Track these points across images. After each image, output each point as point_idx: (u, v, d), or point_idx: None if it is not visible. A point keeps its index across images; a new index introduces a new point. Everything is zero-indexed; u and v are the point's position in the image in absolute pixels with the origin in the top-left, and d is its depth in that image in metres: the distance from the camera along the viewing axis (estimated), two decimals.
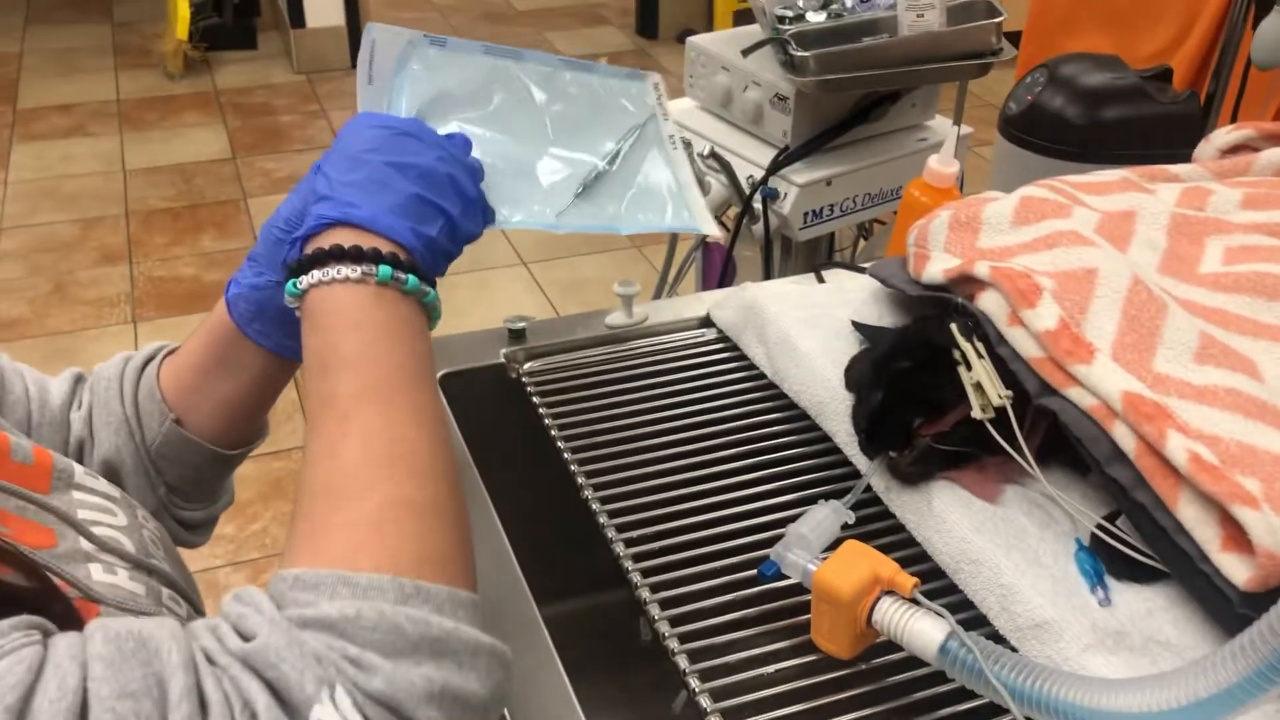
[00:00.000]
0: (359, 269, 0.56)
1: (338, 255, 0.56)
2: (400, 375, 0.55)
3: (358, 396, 0.54)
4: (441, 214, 0.62)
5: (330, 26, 4.33)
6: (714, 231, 0.82)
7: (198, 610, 0.66)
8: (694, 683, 0.69)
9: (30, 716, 0.41)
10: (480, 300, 2.92)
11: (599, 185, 0.80)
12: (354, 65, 4.32)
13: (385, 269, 0.56)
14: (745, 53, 1.49)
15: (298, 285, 0.57)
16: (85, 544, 0.58)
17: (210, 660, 0.46)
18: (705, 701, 0.67)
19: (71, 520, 0.58)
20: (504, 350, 1.02)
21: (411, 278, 0.58)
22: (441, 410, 0.58)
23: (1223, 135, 1.11)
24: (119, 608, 0.56)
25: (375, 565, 0.49)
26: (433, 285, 0.60)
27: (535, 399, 0.95)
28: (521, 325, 1.02)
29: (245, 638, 0.47)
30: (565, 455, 0.88)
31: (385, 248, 0.57)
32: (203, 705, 0.44)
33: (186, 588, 0.65)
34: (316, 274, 0.56)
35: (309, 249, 0.58)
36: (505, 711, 0.67)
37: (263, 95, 4.13)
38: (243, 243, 3.15)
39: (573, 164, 0.80)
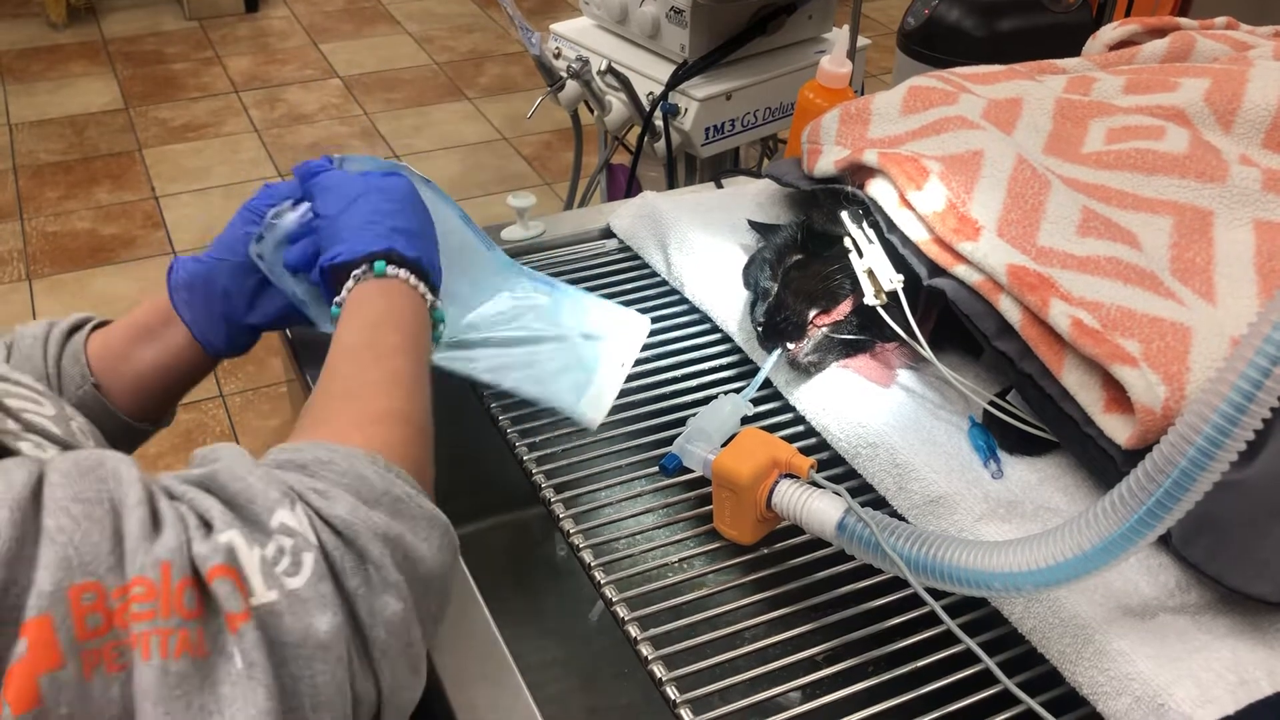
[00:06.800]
0: (422, 285, 0.69)
1: (411, 268, 0.69)
2: (425, 357, 0.67)
3: (398, 349, 0.64)
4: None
5: None
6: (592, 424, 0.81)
7: None
8: (610, 593, 0.68)
9: None
10: None
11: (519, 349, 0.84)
12: (248, 10, 4.20)
13: (430, 294, 0.71)
14: None
15: (374, 269, 0.68)
16: (12, 424, 0.57)
17: (169, 495, 0.47)
18: (623, 611, 0.67)
19: None
20: None
21: (439, 306, 0.72)
22: None
23: (1109, 31, 1.13)
24: None
25: (363, 444, 0.54)
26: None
27: None
28: None
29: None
30: None
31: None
32: (156, 521, 0.45)
33: None
34: (392, 269, 0.68)
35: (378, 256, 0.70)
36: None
37: (153, 43, 3.97)
38: (140, 194, 3.04)
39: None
